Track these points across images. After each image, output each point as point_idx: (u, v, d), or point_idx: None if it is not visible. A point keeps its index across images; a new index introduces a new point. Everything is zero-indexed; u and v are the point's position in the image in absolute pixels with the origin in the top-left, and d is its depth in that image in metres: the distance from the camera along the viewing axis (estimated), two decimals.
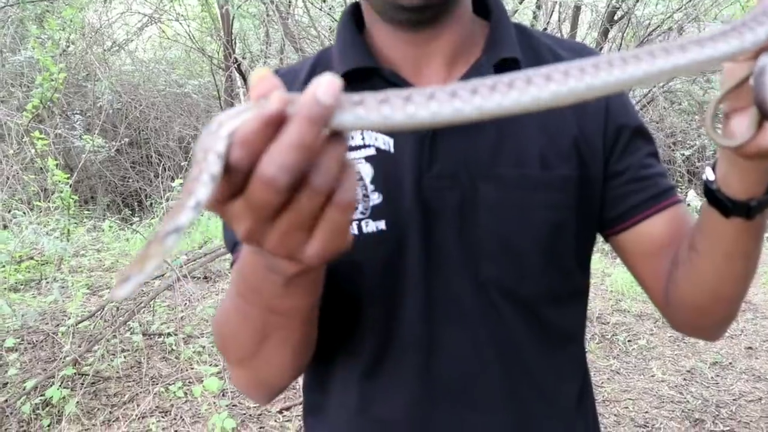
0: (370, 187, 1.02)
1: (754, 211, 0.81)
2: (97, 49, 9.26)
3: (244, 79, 7.18)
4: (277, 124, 0.53)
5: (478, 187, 1.00)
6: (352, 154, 1.03)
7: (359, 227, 1.01)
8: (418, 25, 1.03)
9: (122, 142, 8.14)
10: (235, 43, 8.44)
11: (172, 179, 7.52)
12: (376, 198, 1.02)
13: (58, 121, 7.82)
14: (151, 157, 9.28)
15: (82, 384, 3.66)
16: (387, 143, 1.03)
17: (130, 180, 9.13)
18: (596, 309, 5.38)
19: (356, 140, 1.04)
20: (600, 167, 1.06)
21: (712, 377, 4.42)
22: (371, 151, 1.03)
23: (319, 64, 1.12)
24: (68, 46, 8.51)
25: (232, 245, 1.08)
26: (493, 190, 1.00)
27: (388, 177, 1.02)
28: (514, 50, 1.04)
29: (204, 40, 9.72)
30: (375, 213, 1.02)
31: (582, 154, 1.04)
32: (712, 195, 0.83)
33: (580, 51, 1.12)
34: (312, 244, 0.60)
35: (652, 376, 4.43)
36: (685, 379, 4.39)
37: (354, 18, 1.11)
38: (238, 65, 7.34)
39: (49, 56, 6.16)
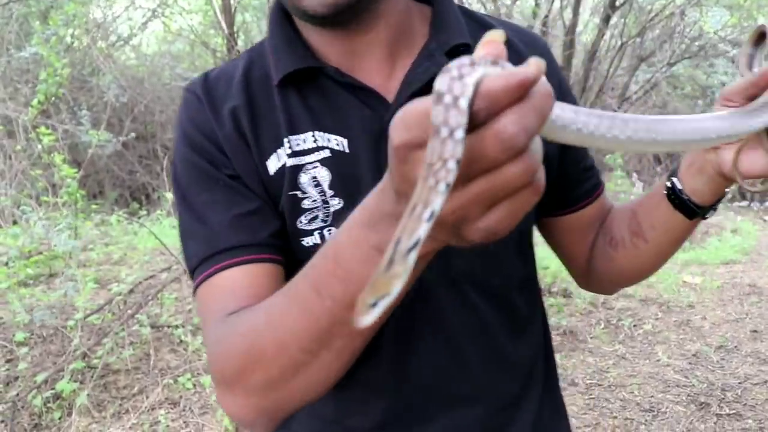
0: (329, 192, 0.98)
1: (714, 211, 0.98)
2: (101, 44, 9.28)
3: None
4: (527, 88, 0.52)
5: None
6: (306, 158, 0.98)
7: (321, 235, 0.98)
8: (334, 26, 0.99)
9: (129, 136, 8.16)
10: (237, 35, 8.44)
11: None
12: (336, 203, 0.98)
13: (65, 117, 7.85)
14: (158, 150, 9.31)
15: (92, 377, 3.70)
16: (341, 143, 0.99)
17: (138, 174, 9.17)
18: (601, 295, 5.39)
19: (308, 143, 0.99)
20: (555, 150, 1.07)
21: (717, 361, 4.42)
22: (326, 153, 0.98)
23: (254, 63, 1.06)
24: (72, 42, 8.54)
25: (197, 262, 0.97)
26: None
27: (347, 179, 0.98)
28: (464, 36, 1.01)
29: (207, 33, 9.74)
30: (337, 219, 0.97)
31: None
32: (681, 202, 0.98)
33: (525, 34, 1.13)
34: (487, 217, 0.57)
35: (658, 360, 4.45)
36: (690, 363, 4.40)
37: (286, 15, 1.05)
38: None
39: (53, 52, 6.19)
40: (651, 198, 1.06)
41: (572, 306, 5.23)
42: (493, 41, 0.55)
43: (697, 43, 9.09)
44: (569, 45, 7.48)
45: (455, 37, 1.00)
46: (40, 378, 3.60)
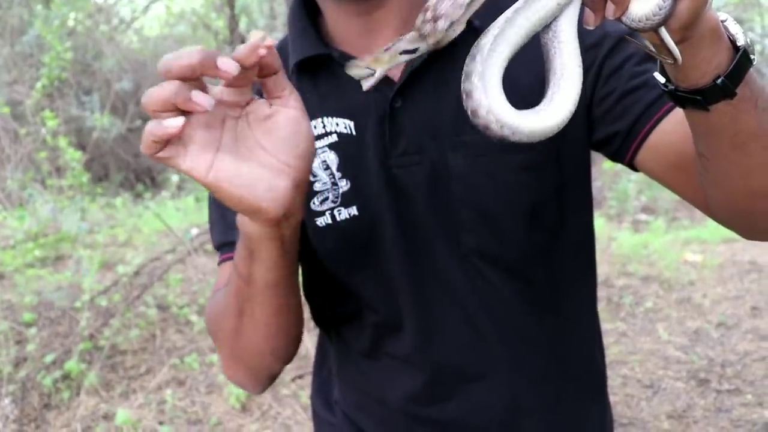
0: (338, 174, 1.02)
1: (727, 88, 0.71)
2: (103, 27, 9.28)
3: None
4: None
5: (447, 158, 0.99)
6: (315, 144, 1.02)
7: (332, 216, 1.02)
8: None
9: (133, 120, 8.19)
10: (239, 18, 8.43)
11: None
12: (344, 185, 1.02)
13: (71, 101, 7.87)
14: None
15: (100, 357, 3.75)
16: (348, 126, 1.03)
17: (142, 157, 9.19)
18: (602, 273, 5.40)
19: (318, 129, 1.04)
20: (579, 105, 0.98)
21: (717, 337, 4.44)
22: (333, 138, 1.03)
23: (281, 53, 1.09)
24: (75, 26, 8.54)
25: (219, 244, 1.12)
26: (461, 158, 0.98)
27: (354, 161, 1.02)
28: None
29: (209, 15, 9.72)
30: (345, 200, 1.02)
31: None
32: (680, 97, 0.75)
33: None
34: None
35: (659, 337, 4.47)
36: (690, 340, 4.42)
37: (304, 4, 1.09)
38: (243, 40, 7.35)
39: (56, 36, 6.20)
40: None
41: None
42: None
43: None
44: None
45: None
46: (48, 359, 3.66)
